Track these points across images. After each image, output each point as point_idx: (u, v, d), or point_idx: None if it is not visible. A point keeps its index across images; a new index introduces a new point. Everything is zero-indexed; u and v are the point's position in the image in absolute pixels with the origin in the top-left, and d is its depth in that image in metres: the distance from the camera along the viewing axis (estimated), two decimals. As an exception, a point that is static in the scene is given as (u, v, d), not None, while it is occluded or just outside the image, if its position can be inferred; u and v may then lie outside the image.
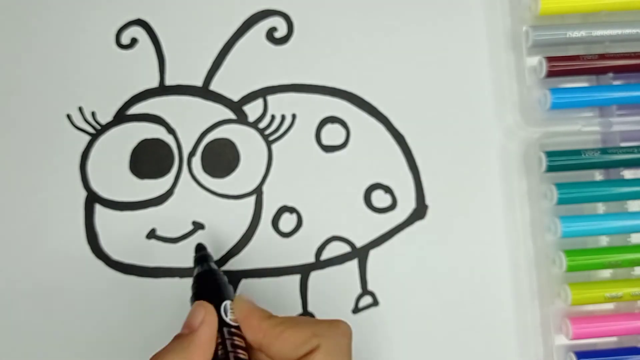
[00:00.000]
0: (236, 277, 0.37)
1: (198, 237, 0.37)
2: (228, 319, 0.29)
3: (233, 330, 0.28)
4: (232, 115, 0.38)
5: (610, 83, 0.38)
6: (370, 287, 0.37)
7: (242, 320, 0.29)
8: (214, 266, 0.33)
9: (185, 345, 0.27)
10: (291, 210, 0.38)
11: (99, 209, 0.37)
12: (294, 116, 0.38)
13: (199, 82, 0.38)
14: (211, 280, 0.31)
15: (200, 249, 0.34)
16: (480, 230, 0.38)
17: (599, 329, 0.36)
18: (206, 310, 0.28)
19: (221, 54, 0.39)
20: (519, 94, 0.38)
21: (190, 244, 0.37)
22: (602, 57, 0.37)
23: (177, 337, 0.28)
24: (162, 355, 0.27)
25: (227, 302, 0.29)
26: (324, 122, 0.38)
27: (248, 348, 0.29)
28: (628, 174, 0.38)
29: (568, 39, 0.38)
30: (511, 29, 0.39)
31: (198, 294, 0.30)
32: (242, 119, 0.38)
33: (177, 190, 0.38)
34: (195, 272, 0.32)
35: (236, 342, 0.28)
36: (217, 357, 0.28)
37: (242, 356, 0.28)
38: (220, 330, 0.28)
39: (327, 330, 0.27)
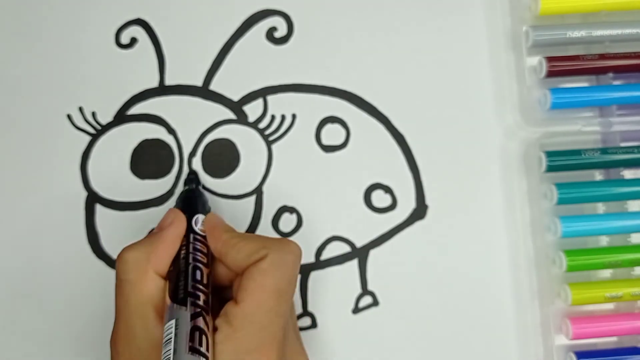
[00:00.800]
0: (236, 277, 0.37)
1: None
2: (197, 228, 0.32)
3: (199, 237, 0.31)
4: (232, 115, 0.38)
5: (610, 83, 0.38)
6: (370, 287, 0.37)
7: (209, 230, 0.32)
8: (198, 187, 0.36)
9: (152, 240, 0.30)
10: (291, 210, 0.38)
11: (99, 209, 0.37)
12: (294, 116, 0.38)
13: (199, 82, 0.38)
14: (190, 196, 0.35)
15: (190, 173, 0.37)
16: (480, 230, 0.38)
17: (599, 329, 0.36)
18: (175, 214, 0.32)
19: (221, 54, 0.39)
20: (519, 94, 0.38)
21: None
22: (602, 57, 0.37)
23: (148, 234, 0.31)
24: (131, 246, 0.30)
25: (200, 216, 0.32)
26: (324, 122, 0.38)
27: (210, 257, 0.31)
28: (628, 174, 0.38)
29: (568, 39, 0.38)
30: (511, 29, 0.39)
31: (176, 205, 0.34)
32: (242, 119, 0.38)
33: (177, 190, 0.38)
34: (182, 185, 0.37)
35: (198, 247, 0.31)
36: (178, 257, 0.30)
37: (200, 258, 0.30)
38: (187, 236, 0.31)
39: (275, 244, 0.30)
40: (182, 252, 0.31)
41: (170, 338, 0.27)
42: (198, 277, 0.29)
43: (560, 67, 0.37)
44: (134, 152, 0.38)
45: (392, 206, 0.38)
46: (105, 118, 0.38)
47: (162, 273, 0.30)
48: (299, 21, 0.39)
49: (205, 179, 0.38)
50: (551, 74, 0.37)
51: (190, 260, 0.30)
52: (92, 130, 0.38)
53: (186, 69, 0.38)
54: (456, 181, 0.38)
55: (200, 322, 0.27)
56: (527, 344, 0.37)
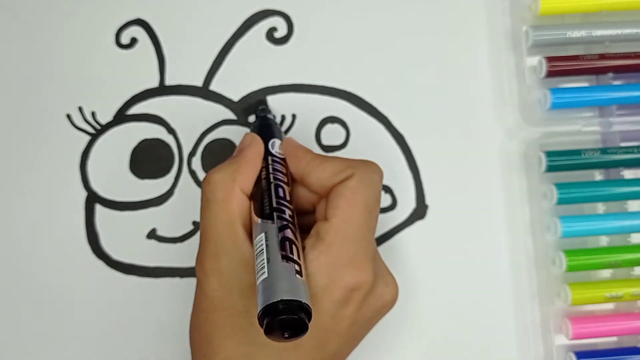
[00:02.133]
0: (236, 277, 0.37)
1: (198, 237, 0.37)
2: (274, 151, 0.32)
3: (277, 159, 0.32)
4: (232, 116, 0.38)
5: (610, 83, 0.38)
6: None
7: (289, 152, 0.32)
8: (271, 116, 0.37)
9: (235, 161, 0.31)
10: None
11: (99, 209, 0.37)
12: (294, 116, 0.38)
13: (199, 82, 0.38)
14: (264, 124, 0.35)
15: (261, 103, 0.38)
16: (480, 230, 0.38)
17: (599, 329, 0.36)
18: (252, 137, 0.32)
19: (221, 54, 0.39)
20: (519, 94, 0.38)
21: (191, 244, 0.37)
22: (602, 57, 0.37)
23: (230, 157, 0.32)
24: (215, 169, 0.30)
25: (276, 140, 0.33)
26: (324, 122, 0.38)
27: (291, 181, 0.32)
28: (628, 174, 0.38)
29: (568, 39, 0.38)
30: (511, 29, 0.39)
31: (251, 131, 0.34)
32: (242, 119, 0.38)
33: (177, 190, 0.38)
34: (255, 116, 0.37)
35: (278, 168, 0.31)
36: (260, 177, 0.31)
37: (281, 178, 0.31)
38: (265, 159, 0.32)
39: (361, 164, 0.30)
40: (263, 173, 0.31)
41: (262, 249, 0.27)
42: (281, 194, 0.30)
43: (560, 67, 0.37)
44: (133, 152, 0.38)
45: (392, 206, 0.38)
46: (104, 118, 0.38)
47: (247, 192, 0.30)
48: (299, 21, 0.39)
49: (205, 178, 0.38)
50: (551, 74, 0.37)
51: (272, 180, 0.30)
52: (91, 130, 0.38)
53: (186, 69, 0.38)
54: (456, 181, 0.38)
55: (289, 233, 0.28)
56: (527, 344, 0.37)
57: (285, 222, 0.28)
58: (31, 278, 0.37)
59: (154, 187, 0.38)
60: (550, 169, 0.37)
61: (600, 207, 0.38)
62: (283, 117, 0.38)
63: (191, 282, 0.37)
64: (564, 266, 0.36)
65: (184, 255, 0.37)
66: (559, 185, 0.37)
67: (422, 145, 0.38)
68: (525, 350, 0.37)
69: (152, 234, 0.37)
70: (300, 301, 0.24)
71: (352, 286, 0.28)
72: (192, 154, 0.38)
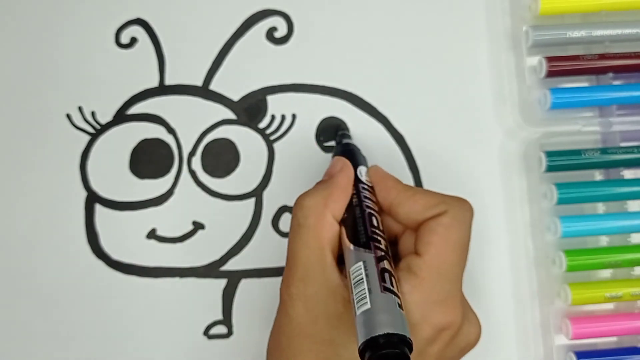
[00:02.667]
0: (236, 277, 0.37)
1: (198, 237, 0.37)
2: (363, 178, 0.32)
3: (366, 187, 0.31)
4: (232, 115, 0.38)
5: (610, 83, 0.38)
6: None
7: (378, 180, 0.32)
8: (353, 142, 0.36)
9: (326, 186, 0.30)
10: (291, 210, 0.38)
11: (99, 209, 0.37)
12: (294, 116, 0.38)
13: (199, 82, 0.38)
14: (348, 150, 0.34)
15: (342, 129, 0.38)
16: (480, 230, 0.38)
17: (599, 329, 0.36)
18: (343, 162, 0.32)
19: (221, 54, 0.39)
20: (519, 94, 0.38)
21: (191, 244, 0.37)
22: (602, 57, 0.37)
23: (320, 182, 0.31)
24: (307, 194, 0.30)
25: (362, 167, 0.32)
26: (324, 122, 0.38)
27: (379, 209, 0.31)
28: (628, 174, 0.38)
29: (568, 39, 0.38)
30: (511, 29, 0.39)
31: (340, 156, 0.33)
32: (242, 119, 0.38)
33: (177, 190, 0.38)
34: (337, 141, 0.37)
35: (368, 196, 0.31)
36: (351, 204, 0.30)
37: (372, 206, 0.30)
38: (355, 186, 0.31)
39: (454, 201, 0.30)
40: (354, 200, 0.31)
41: (362, 279, 0.26)
42: (375, 223, 0.29)
43: (560, 67, 0.37)
44: (133, 151, 0.38)
45: (392, 206, 0.38)
46: (104, 118, 0.38)
47: (338, 218, 0.30)
48: (299, 21, 0.39)
49: (205, 178, 0.38)
50: (551, 74, 0.37)
51: (364, 207, 0.30)
52: (91, 130, 0.38)
53: (186, 68, 0.38)
54: (456, 181, 0.38)
55: (386, 264, 0.27)
56: (527, 344, 0.37)
57: (382, 253, 0.27)
58: (31, 278, 0.37)
59: (154, 187, 0.38)
60: (550, 169, 0.37)
61: (600, 207, 0.38)
62: (283, 117, 0.38)
63: (191, 282, 0.37)
64: (564, 266, 0.36)
65: (184, 255, 0.37)
66: (559, 185, 0.37)
67: (422, 145, 0.38)
68: (525, 350, 0.37)
69: (152, 234, 0.37)
70: (405, 335, 0.24)
71: (442, 325, 0.28)
72: (192, 153, 0.38)
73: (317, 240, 0.29)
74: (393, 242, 0.31)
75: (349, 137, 0.37)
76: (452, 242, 0.29)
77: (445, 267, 0.28)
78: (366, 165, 0.33)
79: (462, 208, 0.29)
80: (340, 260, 0.29)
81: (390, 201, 0.30)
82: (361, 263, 0.27)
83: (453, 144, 0.38)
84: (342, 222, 0.30)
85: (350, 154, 0.33)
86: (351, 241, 0.29)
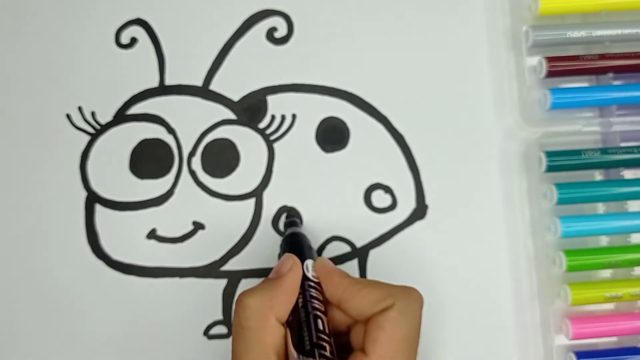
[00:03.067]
0: (236, 277, 0.37)
1: (198, 237, 0.37)
2: (309, 274, 0.31)
3: (313, 284, 0.30)
4: (232, 116, 0.38)
5: (610, 83, 0.38)
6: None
7: (324, 276, 0.31)
8: (301, 231, 0.35)
9: (273, 287, 0.29)
10: (291, 210, 0.38)
11: (99, 209, 0.37)
12: (294, 116, 0.38)
13: (199, 82, 0.38)
14: (296, 241, 0.34)
15: (290, 215, 0.37)
16: (480, 230, 0.38)
17: (599, 329, 0.36)
18: (294, 260, 0.31)
19: (221, 54, 0.39)
20: (519, 94, 0.38)
21: (191, 244, 0.37)
22: (602, 57, 0.37)
23: (266, 280, 0.30)
24: (251, 292, 0.29)
25: (309, 261, 0.31)
26: (324, 122, 0.38)
27: (325, 304, 0.30)
28: (628, 174, 0.38)
29: (568, 39, 0.38)
30: (511, 29, 0.39)
31: (286, 250, 0.33)
32: (242, 119, 0.38)
33: (177, 190, 0.38)
34: (285, 233, 0.35)
35: (314, 294, 0.30)
36: (297, 306, 0.30)
37: (319, 307, 0.30)
38: (301, 283, 0.30)
39: (401, 293, 0.29)
40: (300, 300, 0.30)
41: None
42: (320, 326, 0.29)
43: (560, 67, 0.37)
44: (133, 151, 0.38)
45: (392, 206, 0.38)
46: (104, 118, 0.38)
47: (283, 320, 0.29)
48: (299, 21, 0.39)
49: (205, 178, 0.38)
50: (551, 74, 0.37)
51: (310, 309, 0.29)
52: (91, 130, 0.38)
53: (186, 69, 0.38)
54: (456, 181, 0.38)
55: None
56: (527, 344, 0.37)
57: None
58: (31, 278, 0.37)
59: (154, 187, 0.38)
60: (550, 169, 0.37)
61: (600, 207, 0.38)
62: (283, 117, 0.38)
63: (191, 282, 0.37)
64: (564, 266, 0.36)
65: (184, 255, 0.37)
66: (559, 185, 0.37)
67: (422, 145, 0.38)
68: (525, 350, 0.37)
69: (152, 234, 0.37)
70: None
71: None
72: (192, 153, 0.38)
73: (261, 344, 0.28)
74: (345, 333, 0.30)
75: (297, 224, 0.36)
76: (398, 337, 0.28)
77: None
78: (313, 257, 0.32)
79: (408, 298, 0.29)
80: None
81: (339, 297, 0.29)
82: None
83: (453, 144, 0.38)
84: (288, 324, 0.29)
85: (298, 246, 0.33)
86: (296, 348, 0.28)
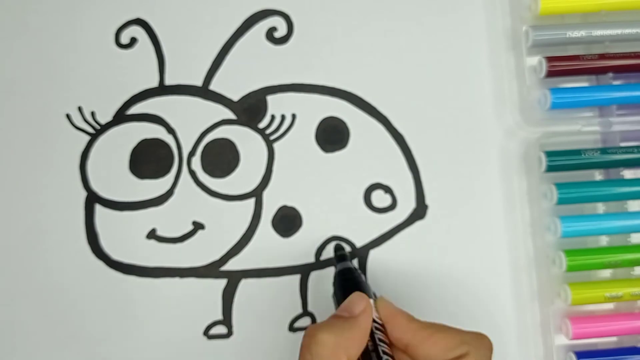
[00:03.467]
0: (236, 277, 0.37)
1: (198, 237, 0.37)
2: (375, 316, 0.30)
3: (378, 325, 0.29)
4: (232, 116, 0.38)
5: (610, 83, 0.38)
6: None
7: (389, 319, 0.30)
8: (353, 265, 0.34)
9: (347, 327, 0.28)
10: (290, 210, 0.38)
11: (99, 209, 0.37)
12: (293, 116, 0.38)
13: (198, 82, 0.38)
14: (354, 279, 0.32)
15: (339, 248, 0.36)
16: (480, 230, 0.38)
17: (599, 329, 0.36)
18: (367, 302, 0.29)
19: (221, 54, 0.39)
20: (519, 93, 0.38)
21: (191, 244, 0.37)
22: (602, 57, 0.37)
23: (338, 317, 0.29)
24: (326, 328, 0.28)
25: (371, 300, 0.30)
26: (324, 122, 0.38)
27: (390, 347, 0.29)
28: (628, 174, 0.38)
29: (568, 39, 0.38)
30: (511, 29, 0.39)
31: (345, 288, 0.32)
32: (242, 119, 0.38)
33: (177, 190, 0.38)
34: (340, 268, 0.34)
35: (381, 337, 0.29)
36: (367, 349, 0.28)
37: (387, 351, 0.29)
38: None
39: (475, 340, 0.28)
40: (369, 343, 0.29)
41: None
42: None
43: (560, 67, 0.37)
44: (133, 151, 0.38)
45: (392, 206, 0.38)
46: (104, 118, 0.38)
47: None
48: (299, 21, 0.39)
49: (205, 178, 0.38)
50: (551, 73, 0.37)
51: (381, 353, 0.28)
52: (91, 130, 0.38)
53: (186, 69, 0.38)
54: (456, 181, 0.38)
55: None
56: (527, 344, 0.37)
57: None
58: (31, 278, 0.37)
59: (154, 187, 0.38)
60: (550, 169, 0.37)
61: (600, 207, 0.38)
62: (283, 117, 0.38)
63: (191, 282, 0.37)
64: (564, 266, 0.36)
65: (184, 255, 0.37)
66: (559, 185, 0.37)
67: (422, 145, 0.38)
68: (525, 350, 0.37)
69: (151, 234, 0.37)
70: None
71: None
72: (191, 153, 0.38)
73: None
74: None
75: (348, 257, 0.35)
76: None
77: None
78: (372, 295, 0.31)
79: (482, 347, 0.28)
80: None
81: (406, 342, 0.29)
82: None
83: (453, 144, 0.38)
84: None
85: (357, 285, 0.32)
86: None
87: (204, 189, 0.38)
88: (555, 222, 0.37)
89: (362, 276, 0.33)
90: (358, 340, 0.28)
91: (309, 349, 0.27)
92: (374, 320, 0.29)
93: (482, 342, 0.28)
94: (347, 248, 0.37)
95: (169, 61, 0.38)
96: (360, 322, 0.29)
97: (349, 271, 0.33)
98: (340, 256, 0.35)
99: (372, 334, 0.29)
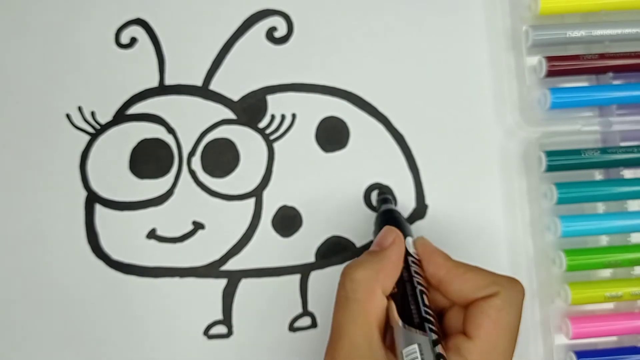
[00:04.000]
0: (236, 277, 0.37)
1: (198, 237, 0.37)
2: (411, 250, 0.31)
3: (414, 260, 0.30)
4: (232, 115, 0.38)
5: (610, 83, 0.38)
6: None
7: (426, 255, 0.31)
8: (396, 208, 0.35)
9: (377, 259, 0.29)
10: (291, 210, 0.38)
11: (99, 209, 0.37)
12: (293, 116, 0.38)
13: (198, 81, 0.38)
14: (394, 218, 0.33)
15: (382, 192, 0.37)
16: (480, 230, 0.38)
17: (599, 328, 0.36)
18: (396, 234, 0.31)
19: (221, 54, 0.39)
20: (518, 93, 0.38)
21: (191, 244, 0.37)
22: (602, 56, 0.37)
23: (369, 253, 0.30)
24: (358, 265, 0.29)
25: (409, 238, 0.31)
26: (324, 121, 0.38)
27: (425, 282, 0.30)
28: (628, 173, 0.38)
29: (568, 39, 0.38)
30: (511, 28, 0.39)
31: (382, 227, 0.32)
32: (242, 118, 0.38)
33: (177, 190, 0.38)
34: (381, 209, 0.35)
35: (417, 271, 0.30)
36: (401, 279, 0.30)
37: (422, 282, 0.30)
38: (405, 259, 0.30)
39: (507, 282, 0.29)
40: (404, 274, 0.30)
41: None
42: (426, 302, 0.29)
43: (560, 66, 0.37)
44: (133, 151, 0.38)
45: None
46: (104, 118, 0.38)
47: (387, 293, 0.29)
48: (299, 21, 0.39)
49: (205, 178, 0.38)
50: (551, 73, 0.37)
51: (415, 284, 0.29)
52: (91, 130, 0.38)
53: (186, 68, 0.38)
54: (456, 181, 0.38)
55: (441, 349, 0.27)
56: (527, 344, 0.37)
57: (437, 337, 0.27)
58: (31, 278, 0.37)
59: (154, 187, 0.38)
60: (550, 168, 0.37)
61: (600, 207, 0.38)
62: (283, 117, 0.38)
63: (191, 282, 0.37)
64: (564, 266, 0.36)
65: (184, 255, 0.37)
66: (559, 185, 0.37)
67: (422, 145, 0.38)
68: (525, 349, 0.37)
69: (152, 234, 0.37)
70: None
71: None
72: (191, 153, 0.38)
73: (366, 316, 0.28)
74: (439, 315, 0.30)
75: (390, 201, 0.36)
76: (503, 326, 0.28)
77: (496, 353, 0.28)
78: (411, 235, 0.32)
79: (514, 290, 0.29)
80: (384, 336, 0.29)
81: (440, 278, 0.30)
82: (416, 346, 0.27)
83: (453, 144, 0.38)
84: (391, 297, 0.29)
85: (397, 223, 0.32)
86: (404, 320, 0.28)
87: (204, 188, 0.38)
88: (555, 221, 0.37)
89: (402, 216, 0.34)
90: (390, 271, 0.29)
91: (344, 286, 0.29)
92: (411, 255, 0.30)
93: (514, 285, 0.29)
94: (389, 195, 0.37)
95: (169, 61, 0.38)
96: (390, 253, 0.30)
97: (388, 212, 0.34)
98: (383, 199, 0.36)
99: (408, 267, 0.30)
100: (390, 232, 0.31)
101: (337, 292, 0.29)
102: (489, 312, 0.28)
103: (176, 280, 0.37)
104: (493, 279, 0.29)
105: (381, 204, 0.36)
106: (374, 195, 0.38)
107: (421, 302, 0.29)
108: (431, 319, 0.28)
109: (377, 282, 0.29)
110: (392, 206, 0.35)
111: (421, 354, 0.27)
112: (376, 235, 0.32)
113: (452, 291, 0.29)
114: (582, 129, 0.38)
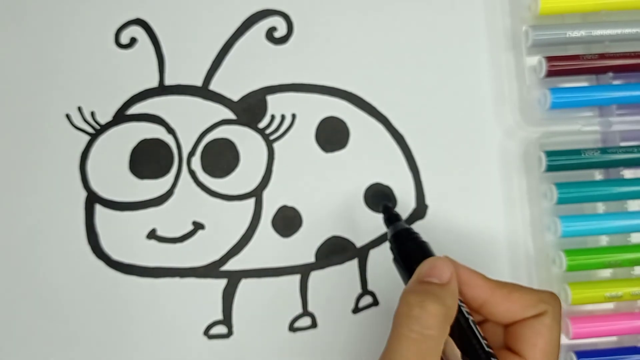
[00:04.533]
0: (236, 277, 0.37)
1: (198, 237, 0.37)
2: None
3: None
4: (231, 115, 0.38)
5: (610, 83, 0.38)
6: (370, 286, 0.37)
7: (464, 279, 0.29)
8: (408, 225, 0.33)
9: (445, 294, 0.28)
10: (291, 210, 0.38)
11: (99, 209, 0.37)
12: (293, 116, 0.38)
13: (198, 82, 0.38)
14: (415, 239, 0.32)
15: (388, 208, 0.35)
16: (480, 230, 0.38)
17: (599, 328, 0.36)
18: (452, 265, 0.29)
19: (221, 54, 0.39)
20: (518, 93, 0.38)
21: (191, 244, 0.37)
22: (602, 56, 0.37)
23: (431, 284, 0.28)
24: (427, 297, 0.27)
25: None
26: (324, 121, 0.38)
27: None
28: (628, 173, 0.38)
29: (568, 39, 0.38)
30: (511, 28, 0.39)
31: (410, 250, 0.31)
32: (241, 119, 0.38)
33: (177, 190, 0.38)
34: (395, 229, 0.33)
35: (461, 299, 0.29)
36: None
37: (469, 310, 0.28)
38: None
39: (551, 299, 0.29)
40: None
41: None
42: (481, 332, 0.28)
43: (560, 66, 0.37)
44: (133, 151, 0.38)
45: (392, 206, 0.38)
46: (104, 118, 0.38)
47: None
48: (299, 21, 0.39)
49: (205, 178, 0.38)
50: (551, 73, 0.37)
51: (466, 315, 0.28)
52: (91, 130, 0.38)
53: (186, 68, 0.38)
54: (456, 181, 0.38)
55: None
56: (527, 344, 0.37)
57: None
58: (31, 278, 0.37)
59: (154, 187, 0.38)
60: (550, 168, 0.37)
61: (600, 207, 0.38)
62: (283, 117, 0.38)
63: (191, 282, 0.37)
64: (564, 266, 0.36)
65: (184, 255, 0.37)
66: (559, 185, 0.37)
67: (422, 145, 0.38)
68: (525, 350, 0.37)
69: (152, 234, 0.37)
70: None
71: None
72: (191, 153, 0.38)
73: (437, 353, 0.27)
74: None
75: (400, 217, 0.34)
76: (554, 343, 0.28)
77: None
78: (433, 254, 0.31)
79: (558, 306, 0.29)
80: None
81: (483, 300, 0.29)
82: None
83: (453, 144, 0.38)
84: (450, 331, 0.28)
85: (424, 247, 0.31)
86: (467, 355, 0.27)
87: (204, 189, 0.38)
88: (555, 221, 0.37)
89: (420, 236, 0.32)
90: (455, 308, 0.28)
91: (418, 320, 0.27)
92: None
93: (557, 301, 0.29)
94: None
95: (168, 61, 0.38)
96: (454, 289, 0.28)
97: (407, 232, 0.32)
98: (392, 217, 0.34)
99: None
100: (447, 265, 0.29)
101: (405, 324, 0.27)
102: (542, 331, 0.28)
103: (176, 280, 0.37)
104: (539, 296, 0.29)
105: (391, 222, 0.34)
106: (378, 204, 0.37)
107: (479, 334, 0.28)
108: (491, 350, 0.27)
109: (450, 318, 0.27)
110: (405, 224, 0.33)
111: None
112: (404, 259, 0.31)
113: (497, 312, 0.29)
114: (582, 129, 0.38)
